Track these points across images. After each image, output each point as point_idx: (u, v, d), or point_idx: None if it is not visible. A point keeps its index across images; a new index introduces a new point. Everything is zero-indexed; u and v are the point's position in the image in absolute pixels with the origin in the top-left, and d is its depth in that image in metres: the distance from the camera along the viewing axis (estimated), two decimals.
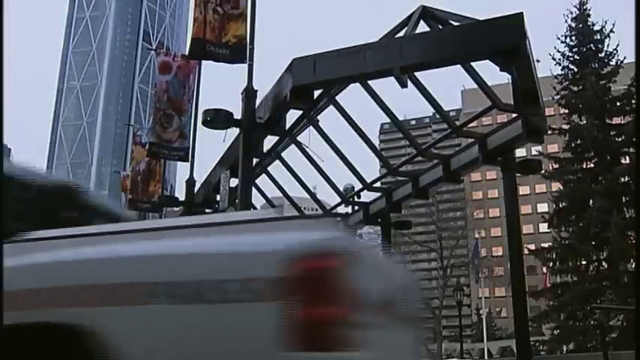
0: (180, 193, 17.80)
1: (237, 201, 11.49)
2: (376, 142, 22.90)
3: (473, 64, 9.92)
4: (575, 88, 29.67)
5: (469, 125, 12.50)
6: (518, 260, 10.22)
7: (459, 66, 9.87)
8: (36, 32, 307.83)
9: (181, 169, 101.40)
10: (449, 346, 56.06)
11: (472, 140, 11.34)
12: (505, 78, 9.28)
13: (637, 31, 3.40)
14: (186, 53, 14.94)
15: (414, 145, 13.29)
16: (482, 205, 66.78)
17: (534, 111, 9.35)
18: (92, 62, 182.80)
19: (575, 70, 29.94)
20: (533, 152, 28.92)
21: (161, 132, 15.94)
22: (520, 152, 11.36)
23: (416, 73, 10.29)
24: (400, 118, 15.68)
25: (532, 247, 28.93)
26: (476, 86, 10.31)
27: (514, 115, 10.07)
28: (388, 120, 13.52)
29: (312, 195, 16.48)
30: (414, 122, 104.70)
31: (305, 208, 18.02)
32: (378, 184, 15.00)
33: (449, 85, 46.53)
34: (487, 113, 11.33)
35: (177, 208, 20.93)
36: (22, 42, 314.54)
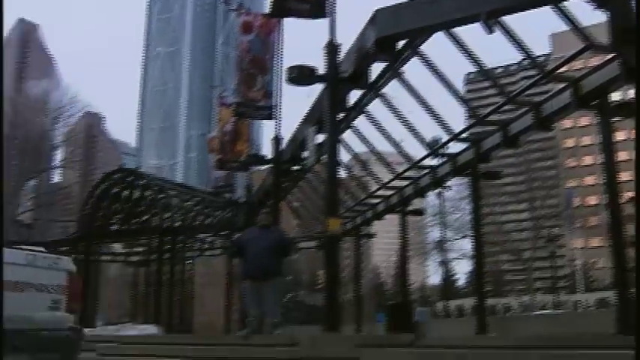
0: (267, 152, 18.09)
1: (324, 157, 11.58)
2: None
3: (564, 3, 9.45)
4: None
5: (560, 70, 11.99)
6: (616, 209, 9.85)
7: (546, 8, 9.44)
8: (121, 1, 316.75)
9: (267, 128, 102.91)
10: (542, 298, 55.11)
11: (564, 85, 10.89)
12: (600, 18, 8.82)
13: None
14: (267, 11, 15.01)
15: (502, 93, 12.90)
16: (575, 153, 64.35)
17: (633, 50, 8.86)
18: (175, 27, 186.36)
19: None
20: (630, 95, 27.46)
21: (246, 92, 16.16)
22: (615, 96, 10.81)
23: (502, 18, 9.94)
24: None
25: (631, 194, 27.75)
26: (566, 28, 9.84)
27: (609, 56, 9.58)
28: (473, 70, 13.16)
29: (399, 148, 16.37)
30: (500, 70, 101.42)
31: (392, 163, 17.93)
32: (465, 135, 14.67)
33: (535, 29, 44.71)
34: (579, 56, 10.82)
35: (264, 167, 21.30)
36: (110, 12, 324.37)
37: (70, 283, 9.19)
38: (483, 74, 13.87)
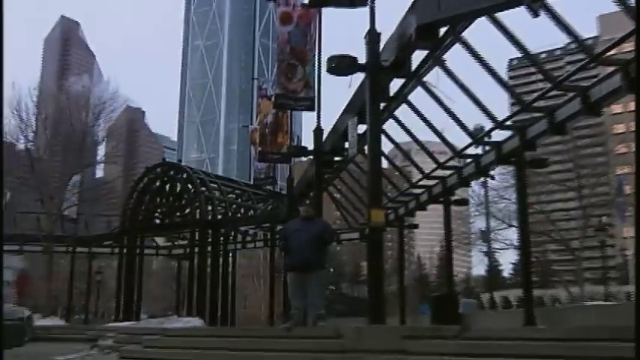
0: (308, 143, 18.13)
1: (366, 147, 11.56)
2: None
3: None
4: None
5: (609, 53, 11.71)
6: None
7: None
8: None
9: (307, 119, 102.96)
10: (592, 289, 54.09)
11: (613, 68, 10.64)
12: None
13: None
14: (306, 2, 15.02)
15: (548, 79, 12.67)
16: (626, 139, 62.76)
17: None
18: (213, 20, 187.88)
19: None
20: None
21: (286, 83, 16.19)
22: None
23: (548, 0, 9.76)
24: None
25: None
26: (615, 9, 9.61)
27: None
28: (516, 55, 12.97)
29: (442, 137, 16.24)
30: (544, 55, 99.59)
31: (435, 152, 17.79)
32: (509, 122, 14.46)
33: (581, 11, 43.77)
34: (629, 38, 10.53)
35: (306, 158, 21.37)
36: (149, 7, 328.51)
37: (18, 279, 10.54)
38: (528, 59, 13.63)
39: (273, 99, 18.61)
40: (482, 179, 23.29)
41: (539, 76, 15.83)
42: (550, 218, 43.26)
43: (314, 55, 16.12)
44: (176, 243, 35.81)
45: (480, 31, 12.01)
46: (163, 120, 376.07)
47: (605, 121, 66.35)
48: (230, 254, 32.31)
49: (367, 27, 11.15)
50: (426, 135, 16.79)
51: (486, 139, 15.44)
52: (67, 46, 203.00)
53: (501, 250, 44.35)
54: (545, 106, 13.20)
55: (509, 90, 15.57)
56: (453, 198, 18.88)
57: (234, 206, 30.49)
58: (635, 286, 5.30)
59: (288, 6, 16.65)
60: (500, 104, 21.57)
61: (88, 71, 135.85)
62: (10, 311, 10.35)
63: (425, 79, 13.44)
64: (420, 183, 19.69)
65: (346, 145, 15.46)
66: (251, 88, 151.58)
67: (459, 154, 16.73)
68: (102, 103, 42.41)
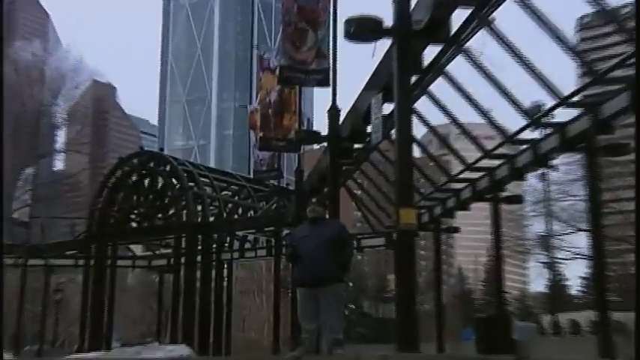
0: (321, 127, 18.19)
1: (393, 131, 11.60)
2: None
3: None
4: None
5: None
6: None
7: None
8: None
9: (319, 98, 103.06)
10: None
11: None
12: None
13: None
14: None
15: (630, 40, 12.60)
16: None
17: None
18: None
19: None
20: None
21: (293, 52, 16.23)
22: None
23: None
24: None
25: None
26: None
27: None
28: (589, 11, 12.94)
29: (489, 118, 16.24)
30: (626, 10, 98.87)
31: (480, 137, 17.80)
32: (577, 98, 14.44)
33: None
34: None
35: (318, 146, 21.41)
36: None
37: None
38: (604, 16, 13.58)
39: (277, 72, 18.65)
40: (541, 171, 23.23)
41: (619, 38, 15.70)
42: (631, 220, 43.05)
43: (328, 17, 16.14)
44: (157, 252, 36.02)
45: None
46: (140, 99, 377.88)
47: None
48: (225, 265, 32.48)
49: None
50: (468, 116, 16.82)
51: (547, 119, 15.44)
52: (11, 2, 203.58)
53: (567, 261, 44.30)
54: (626, 76, 13.11)
55: (579, 56, 15.55)
56: (504, 195, 18.89)
57: (230, 206, 30.62)
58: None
59: None
60: (566, 75, 21.53)
61: (41, 36, 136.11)
62: None
63: (467, 44, 13.46)
64: (462, 176, 19.71)
65: (369, 128, 15.51)
66: (250, 59, 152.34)
67: (511, 139, 16.74)
68: (61, 76, 42.47)
